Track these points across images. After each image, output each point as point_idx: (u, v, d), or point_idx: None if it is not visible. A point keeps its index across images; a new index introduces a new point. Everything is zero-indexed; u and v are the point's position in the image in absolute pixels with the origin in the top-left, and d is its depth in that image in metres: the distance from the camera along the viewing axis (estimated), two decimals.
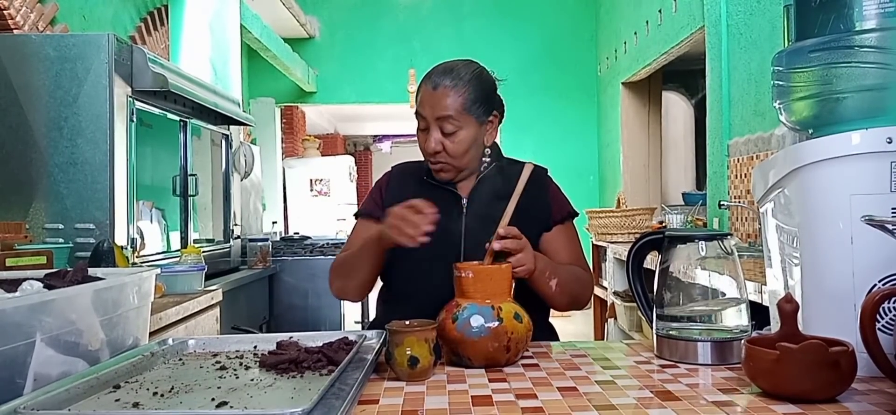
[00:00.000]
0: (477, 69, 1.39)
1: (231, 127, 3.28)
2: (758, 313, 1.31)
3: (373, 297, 1.58)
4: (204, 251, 2.58)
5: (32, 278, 0.98)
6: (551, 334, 1.45)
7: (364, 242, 1.35)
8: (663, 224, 3.77)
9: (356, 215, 1.53)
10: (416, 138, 1.45)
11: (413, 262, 1.38)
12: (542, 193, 1.46)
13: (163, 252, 2.58)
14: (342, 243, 2.79)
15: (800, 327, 0.92)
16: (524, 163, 1.28)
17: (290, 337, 1.12)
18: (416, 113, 1.39)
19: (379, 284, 1.51)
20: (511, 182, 1.25)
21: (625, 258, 1.23)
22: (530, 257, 1.20)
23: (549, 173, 1.52)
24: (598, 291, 4.69)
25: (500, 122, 1.45)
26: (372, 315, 1.54)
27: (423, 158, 1.51)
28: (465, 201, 1.41)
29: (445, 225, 1.38)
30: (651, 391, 0.90)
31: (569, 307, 1.38)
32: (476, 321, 1.03)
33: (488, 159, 1.44)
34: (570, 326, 5.90)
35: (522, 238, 1.19)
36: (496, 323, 1.03)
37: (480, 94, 1.37)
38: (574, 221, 1.50)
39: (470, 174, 1.43)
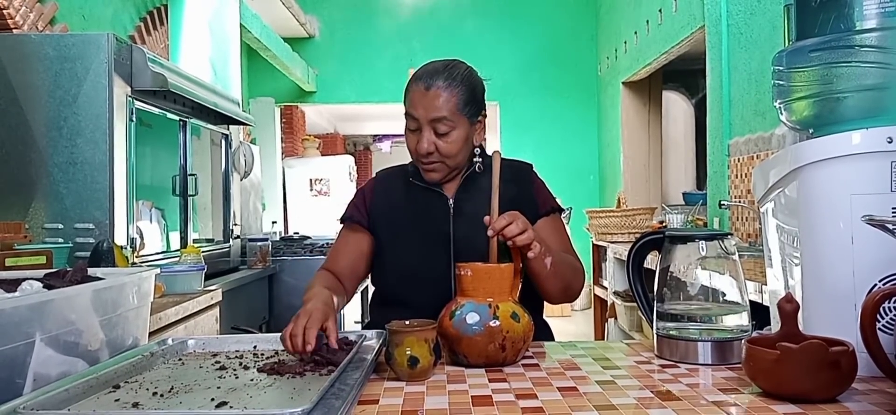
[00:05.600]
0: (467, 70, 1.39)
1: (231, 127, 3.27)
2: (758, 312, 1.31)
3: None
4: (203, 251, 2.58)
5: (32, 278, 0.98)
6: (545, 332, 1.43)
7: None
8: (663, 224, 3.77)
9: (341, 221, 1.50)
10: None
11: (404, 265, 1.38)
12: (528, 188, 1.46)
13: (162, 252, 2.58)
14: None
15: (800, 327, 0.92)
16: (493, 154, 1.27)
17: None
18: (406, 114, 1.37)
19: (371, 289, 1.51)
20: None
21: (625, 258, 1.23)
22: (528, 226, 1.15)
23: (534, 168, 1.52)
24: (598, 290, 4.69)
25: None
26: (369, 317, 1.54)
27: (407, 161, 1.50)
28: (451, 202, 1.40)
29: (435, 227, 1.38)
30: (651, 391, 0.90)
31: (562, 296, 1.35)
32: (472, 318, 1.03)
33: (479, 160, 1.43)
34: (571, 326, 5.91)
35: (516, 215, 1.15)
36: (492, 322, 1.03)
37: (472, 94, 1.37)
38: (560, 217, 1.49)
39: (457, 175, 1.43)
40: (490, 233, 1.13)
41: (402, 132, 1.43)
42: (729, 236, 1.08)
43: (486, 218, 1.15)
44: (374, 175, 1.56)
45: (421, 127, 1.34)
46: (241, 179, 3.51)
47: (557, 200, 1.50)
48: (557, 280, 1.30)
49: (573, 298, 1.38)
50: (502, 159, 1.43)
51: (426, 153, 1.35)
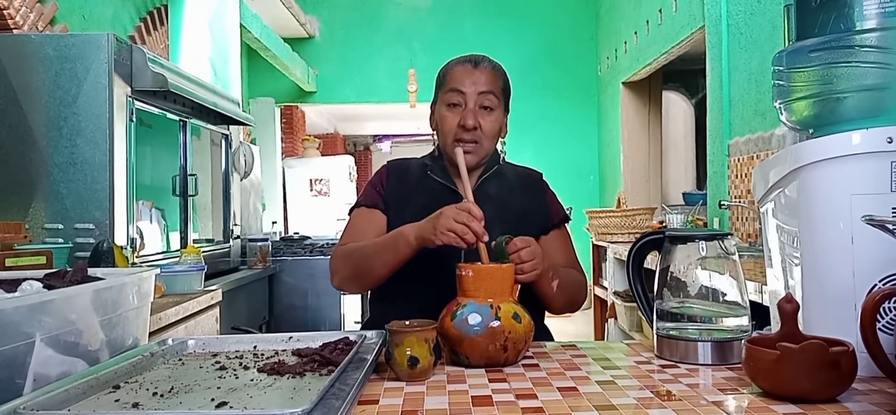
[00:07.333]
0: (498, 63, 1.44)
1: (231, 127, 3.28)
2: (758, 313, 1.31)
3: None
4: (203, 251, 2.58)
5: (32, 278, 0.98)
6: (546, 337, 1.43)
7: (389, 239, 1.29)
8: (663, 224, 3.77)
9: (356, 205, 1.48)
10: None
11: (410, 261, 1.37)
12: (540, 197, 1.47)
13: (162, 252, 2.58)
14: None
15: (800, 327, 0.92)
16: (509, 163, 1.28)
17: (290, 337, 1.12)
18: (449, 90, 1.37)
19: None
20: (510, 184, 1.24)
21: (625, 258, 1.23)
22: (541, 261, 1.18)
23: (544, 177, 1.53)
24: (598, 291, 4.70)
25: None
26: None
27: (417, 157, 1.50)
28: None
29: None
30: (651, 391, 0.90)
31: (566, 308, 1.38)
32: (474, 319, 1.03)
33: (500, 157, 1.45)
34: (571, 326, 5.90)
35: (533, 242, 1.18)
36: (494, 322, 1.03)
37: (507, 83, 1.42)
38: (567, 226, 1.51)
39: (477, 171, 1.43)
40: (492, 244, 1.15)
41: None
42: (729, 236, 1.08)
43: (510, 242, 1.16)
44: (386, 163, 1.56)
45: (465, 102, 1.36)
46: (241, 180, 3.51)
47: (564, 208, 1.52)
48: (562, 298, 1.34)
49: (575, 309, 1.42)
50: (512, 165, 1.44)
51: (472, 127, 1.35)
